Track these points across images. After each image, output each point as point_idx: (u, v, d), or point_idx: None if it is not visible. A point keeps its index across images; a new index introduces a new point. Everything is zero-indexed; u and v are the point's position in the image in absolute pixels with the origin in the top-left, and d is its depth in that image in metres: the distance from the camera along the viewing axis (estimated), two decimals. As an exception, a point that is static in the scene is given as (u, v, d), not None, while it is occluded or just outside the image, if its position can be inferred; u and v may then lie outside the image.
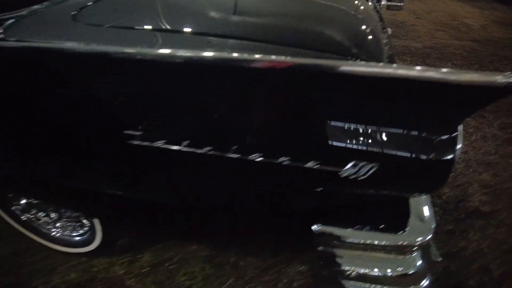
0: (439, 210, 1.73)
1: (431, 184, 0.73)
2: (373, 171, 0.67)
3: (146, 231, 1.52)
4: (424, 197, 0.93)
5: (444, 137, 0.66)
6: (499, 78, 0.56)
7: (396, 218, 0.84)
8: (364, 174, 0.68)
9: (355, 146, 0.67)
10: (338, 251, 0.86)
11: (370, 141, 0.67)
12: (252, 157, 0.72)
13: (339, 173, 0.69)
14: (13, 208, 1.37)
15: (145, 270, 1.39)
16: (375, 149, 0.67)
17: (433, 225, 0.84)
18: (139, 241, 1.48)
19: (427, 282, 0.88)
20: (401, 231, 0.81)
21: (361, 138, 0.67)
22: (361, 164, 0.67)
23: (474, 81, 0.59)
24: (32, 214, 1.37)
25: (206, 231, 1.53)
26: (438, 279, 1.37)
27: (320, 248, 0.87)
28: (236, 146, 0.71)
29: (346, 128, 0.68)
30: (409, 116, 0.68)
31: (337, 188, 0.74)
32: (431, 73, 0.60)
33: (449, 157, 0.67)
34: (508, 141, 2.35)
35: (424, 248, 0.92)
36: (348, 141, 0.67)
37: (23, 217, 1.39)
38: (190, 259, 1.42)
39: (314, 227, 0.83)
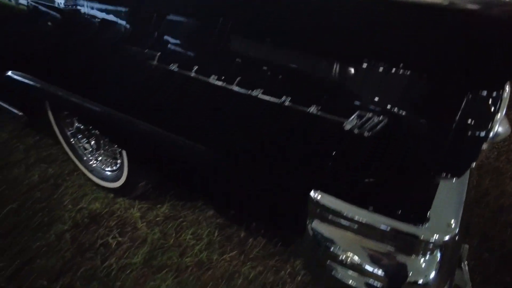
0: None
1: (454, 159, 0.58)
2: (382, 126, 0.56)
3: (171, 186, 1.54)
4: (455, 191, 0.76)
5: (480, 96, 0.52)
6: None
7: (413, 206, 0.69)
8: (371, 130, 0.57)
9: (364, 94, 0.57)
10: (335, 230, 0.75)
11: (379, 89, 0.56)
12: (255, 92, 0.67)
13: (343, 125, 0.60)
14: (67, 131, 1.51)
15: (158, 219, 1.40)
16: (385, 99, 0.56)
17: (456, 227, 0.67)
18: (161, 194, 1.51)
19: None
20: (415, 222, 0.66)
21: (372, 85, 0.57)
22: (368, 115, 0.57)
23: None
24: (78, 139, 1.49)
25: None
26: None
27: (314, 222, 0.76)
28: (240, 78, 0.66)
29: (361, 73, 0.58)
30: (442, 67, 0.55)
31: (339, 145, 0.64)
32: None
33: (483, 126, 0.52)
34: None
35: (448, 263, 0.75)
36: (357, 86, 0.58)
37: (72, 140, 1.52)
38: (203, 222, 1.40)
39: (312, 193, 0.73)
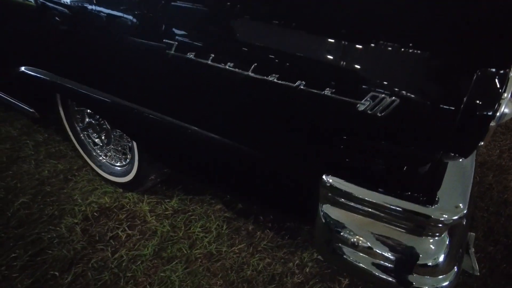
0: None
1: (462, 139, 0.60)
2: (394, 106, 0.58)
3: (180, 180, 1.56)
4: (463, 174, 0.78)
5: (486, 75, 0.55)
6: None
7: (423, 187, 0.71)
8: (383, 110, 0.60)
9: (377, 76, 0.59)
10: (347, 214, 0.77)
11: (392, 71, 0.59)
12: (270, 77, 0.69)
13: (358, 105, 0.62)
14: (77, 126, 1.54)
15: (167, 212, 1.42)
16: (398, 81, 0.58)
17: (464, 208, 0.69)
18: (170, 188, 1.53)
19: (445, 284, 0.73)
20: (426, 203, 0.68)
21: (383, 67, 0.59)
22: (381, 96, 0.59)
23: None
24: (88, 133, 1.51)
25: (236, 199, 1.52)
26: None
27: (326, 206, 0.78)
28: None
29: (371, 53, 0.61)
30: (448, 46, 0.57)
31: (355, 125, 0.66)
32: None
33: (490, 105, 0.55)
34: None
35: (456, 247, 0.77)
36: (368, 68, 0.60)
37: (81, 135, 1.54)
38: (211, 216, 1.41)
39: (324, 177, 0.75)
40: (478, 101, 0.56)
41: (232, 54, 0.75)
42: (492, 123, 0.57)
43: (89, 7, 0.99)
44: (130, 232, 1.33)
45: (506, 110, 0.59)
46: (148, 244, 1.27)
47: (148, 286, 1.12)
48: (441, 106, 0.57)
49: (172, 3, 0.83)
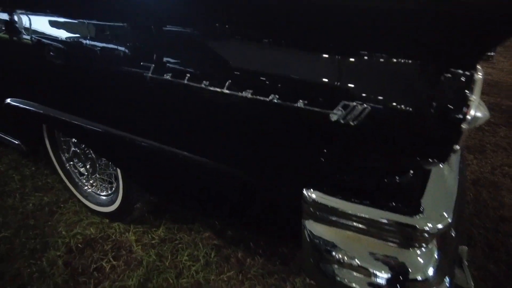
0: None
1: (433, 144, 0.59)
2: (366, 114, 0.58)
3: (168, 209, 1.53)
4: (446, 183, 0.76)
5: (452, 79, 0.55)
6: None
7: (406, 196, 0.69)
8: (356, 119, 0.59)
9: (346, 84, 0.60)
10: (330, 229, 0.74)
11: (362, 79, 0.59)
12: (244, 93, 0.70)
13: (331, 115, 0.62)
14: (63, 157, 1.52)
15: (154, 241, 1.37)
16: (367, 89, 0.58)
17: (449, 216, 0.67)
18: (157, 217, 1.50)
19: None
20: (408, 213, 0.66)
21: (353, 76, 0.60)
22: (352, 104, 0.59)
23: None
24: (73, 163, 1.50)
25: (223, 224, 1.48)
26: None
27: (309, 221, 0.76)
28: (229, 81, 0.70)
29: (337, 62, 0.61)
30: (405, 51, 0.58)
31: (329, 135, 0.65)
32: None
33: (458, 108, 0.55)
34: None
35: (446, 258, 0.74)
36: (337, 78, 0.61)
37: (67, 166, 1.52)
38: (199, 244, 1.37)
39: (305, 192, 0.73)
40: (447, 105, 0.55)
41: (206, 73, 0.75)
42: (464, 126, 0.57)
43: (71, 41, 1.01)
44: (115, 263, 1.27)
45: (478, 114, 0.59)
46: (133, 275, 1.22)
47: (131, 320, 1.06)
48: (412, 111, 0.57)
49: (148, 39, 0.85)
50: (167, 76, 0.80)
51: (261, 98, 0.69)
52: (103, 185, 1.47)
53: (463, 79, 0.55)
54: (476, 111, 0.58)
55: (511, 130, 2.75)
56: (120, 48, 0.91)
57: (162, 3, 0.84)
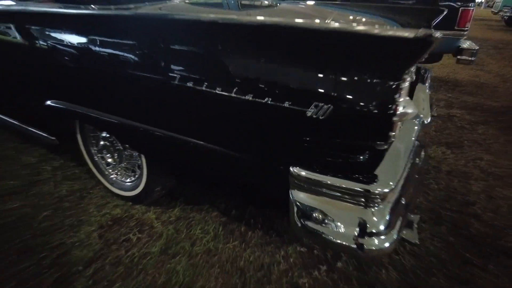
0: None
1: (375, 132, 0.86)
2: (329, 110, 0.86)
3: (182, 193, 1.80)
4: (396, 161, 1.03)
5: (384, 88, 0.82)
6: (409, 33, 0.74)
7: (365, 170, 0.96)
8: (323, 114, 0.87)
9: (317, 90, 0.87)
10: (310, 196, 1.01)
11: (327, 87, 0.86)
12: (246, 97, 0.97)
13: (307, 112, 0.89)
14: (92, 149, 1.80)
15: (171, 219, 1.65)
16: (331, 94, 0.86)
17: (394, 184, 0.94)
18: (173, 199, 1.77)
19: (387, 245, 0.96)
20: (365, 182, 0.93)
21: (321, 85, 0.87)
22: (320, 104, 0.86)
23: (391, 35, 0.77)
24: (102, 155, 1.77)
25: (231, 204, 1.75)
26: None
27: (294, 191, 1.03)
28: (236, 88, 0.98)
29: (310, 77, 0.89)
30: (355, 68, 0.85)
31: (307, 127, 0.92)
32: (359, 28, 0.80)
33: (387, 109, 0.82)
34: None
35: (394, 217, 1.01)
36: (311, 86, 0.88)
37: (96, 157, 1.80)
38: (209, 220, 1.64)
39: (291, 169, 1.00)
40: (383, 105, 0.82)
41: (218, 81, 1.02)
42: (395, 118, 0.84)
43: (101, 54, 1.27)
44: (140, 235, 1.55)
45: (407, 110, 0.86)
46: (155, 244, 1.49)
47: (157, 275, 1.33)
48: (360, 109, 0.84)
49: (167, 47, 1.12)
50: (181, 82, 1.07)
51: (259, 100, 0.96)
52: (128, 173, 1.75)
53: (393, 87, 0.82)
54: (404, 109, 0.85)
55: (489, 128, 3.01)
56: (143, 57, 1.18)
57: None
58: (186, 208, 1.73)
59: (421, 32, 0.74)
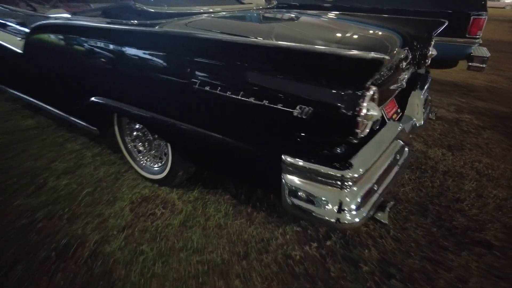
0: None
1: (344, 129, 1.11)
2: (310, 111, 1.12)
3: (200, 179, 2.11)
4: (370, 154, 1.27)
5: (350, 95, 1.07)
6: (367, 55, 0.99)
7: (341, 159, 1.20)
8: (306, 114, 1.13)
9: (301, 96, 1.14)
10: (298, 179, 1.26)
11: (305, 93, 1.13)
12: (249, 99, 1.25)
13: (293, 112, 1.15)
14: (126, 138, 2.14)
15: (190, 199, 1.95)
16: (311, 99, 1.11)
17: (363, 171, 1.19)
18: (192, 184, 2.08)
19: (357, 220, 1.20)
20: (340, 168, 1.18)
21: (304, 92, 1.13)
22: (303, 106, 1.13)
23: (354, 55, 1.02)
24: (134, 144, 2.11)
25: (241, 190, 2.04)
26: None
27: (285, 175, 1.29)
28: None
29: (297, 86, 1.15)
30: (330, 79, 1.10)
31: (294, 124, 1.18)
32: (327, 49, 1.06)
33: (353, 112, 1.06)
34: None
35: (365, 198, 1.25)
36: (297, 93, 1.15)
37: (129, 146, 2.14)
38: (222, 202, 1.93)
39: (283, 157, 1.27)
40: (350, 108, 1.07)
41: (229, 86, 1.30)
42: (359, 119, 1.08)
43: (135, 57, 1.58)
44: (163, 210, 1.86)
45: (370, 113, 1.11)
46: (176, 218, 1.80)
47: (176, 241, 1.64)
48: (333, 110, 1.09)
49: (188, 57, 1.41)
50: (200, 86, 1.36)
51: (258, 102, 1.23)
52: (156, 159, 2.07)
53: (357, 94, 1.07)
54: (368, 111, 1.10)
55: (495, 133, 3.13)
56: (170, 66, 1.47)
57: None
58: (203, 191, 2.03)
59: (375, 54, 0.99)
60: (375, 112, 1.13)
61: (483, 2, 3.22)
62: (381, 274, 1.51)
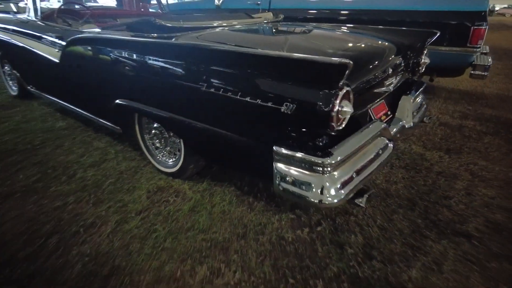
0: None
1: (321, 122, 1.32)
2: (294, 107, 1.34)
3: (208, 173, 2.36)
4: (349, 146, 1.47)
5: (325, 94, 1.29)
6: (336, 60, 1.21)
7: (322, 148, 1.41)
8: (291, 110, 1.36)
9: (287, 95, 1.37)
10: (287, 166, 1.48)
11: (290, 93, 1.36)
12: (246, 99, 1.49)
13: (281, 109, 1.39)
14: (145, 136, 2.43)
15: (199, 190, 2.21)
16: (295, 97, 1.34)
17: (340, 159, 1.40)
18: (202, 177, 2.33)
19: (336, 201, 1.41)
20: (322, 157, 1.39)
21: (290, 92, 1.37)
22: (288, 103, 1.36)
23: (325, 60, 1.25)
24: (152, 141, 2.39)
25: (244, 183, 2.27)
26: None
27: (276, 163, 1.51)
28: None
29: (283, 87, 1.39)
30: (309, 81, 1.33)
31: (282, 119, 1.41)
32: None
33: (327, 108, 1.28)
34: None
35: (341, 183, 1.45)
36: (284, 93, 1.38)
37: (148, 143, 2.43)
38: (227, 192, 2.17)
39: (274, 147, 1.49)
40: (326, 104, 1.29)
41: (231, 88, 1.55)
42: (333, 114, 1.30)
43: (154, 65, 1.87)
44: (175, 198, 2.12)
45: (343, 109, 1.33)
46: (186, 204, 2.05)
47: (185, 223, 1.89)
48: (312, 106, 1.31)
49: (199, 65, 1.67)
50: (207, 88, 1.62)
51: (253, 101, 1.47)
52: (170, 155, 2.34)
53: (331, 92, 1.29)
54: (341, 108, 1.31)
55: (496, 138, 3.22)
56: (183, 72, 1.74)
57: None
58: (211, 183, 2.28)
59: (341, 59, 1.21)
60: (348, 109, 1.35)
61: (482, 14, 3.36)
62: (364, 256, 1.70)
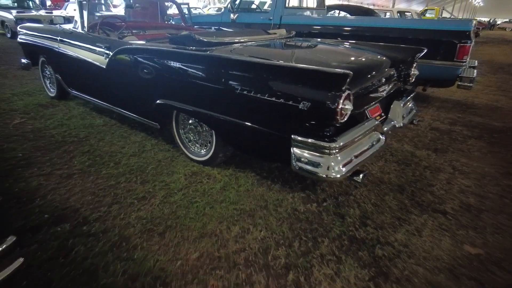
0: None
1: (329, 116, 1.81)
2: (309, 105, 1.83)
3: (234, 161, 2.85)
4: (352, 135, 1.96)
5: (332, 95, 1.78)
6: (340, 71, 1.71)
7: (330, 136, 1.90)
8: (306, 107, 1.85)
9: (304, 96, 1.86)
10: (302, 150, 1.97)
11: (306, 94, 1.85)
12: (267, 97, 1.98)
13: (299, 106, 1.88)
14: (180, 130, 2.93)
15: (226, 174, 2.68)
16: (309, 97, 1.83)
17: (341, 144, 1.88)
18: (228, 163, 2.82)
19: (338, 176, 1.89)
20: (328, 142, 1.87)
21: (306, 93, 1.86)
22: (304, 102, 1.85)
23: (332, 71, 1.74)
24: (186, 134, 2.89)
25: (263, 169, 2.76)
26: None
27: (293, 148, 1.99)
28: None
29: (301, 90, 1.88)
30: (320, 85, 1.82)
31: (299, 114, 1.89)
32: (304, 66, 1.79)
33: (334, 105, 1.77)
34: None
35: (344, 163, 1.94)
36: (301, 94, 1.87)
37: (183, 136, 2.92)
38: (249, 176, 2.65)
39: (293, 136, 1.97)
40: (332, 104, 1.78)
41: (255, 90, 2.04)
42: (338, 109, 1.79)
43: (191, 71, 2.38)
44: (207, 180, 2.60)
45: (345, 107, 1.82)
46: (217, 184, 2.53)
47: (217, 197, 2.37)
48: (322, 104, 1.80)
49: (227, 71, 2.17)
50: (234, 89, 2.11)
51: (277, 101, 1.96)
52: (202, 146, 2.83)
53: (336, 94, 1.78)
54: (343, 106, 1.80)
55: (479, 141, 3.69)
56: (214, 77, 2.24)
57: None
58: (236, 170, 2.76)
59: (344, 70, 1.71)
60: (349, 106, 1.84)
61: (467, 33, 3.88)
62: (360, 223, 2.17)
